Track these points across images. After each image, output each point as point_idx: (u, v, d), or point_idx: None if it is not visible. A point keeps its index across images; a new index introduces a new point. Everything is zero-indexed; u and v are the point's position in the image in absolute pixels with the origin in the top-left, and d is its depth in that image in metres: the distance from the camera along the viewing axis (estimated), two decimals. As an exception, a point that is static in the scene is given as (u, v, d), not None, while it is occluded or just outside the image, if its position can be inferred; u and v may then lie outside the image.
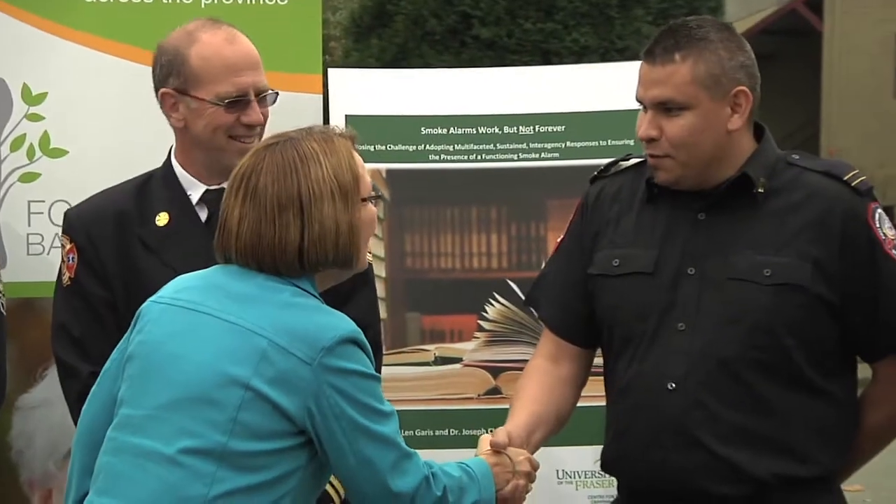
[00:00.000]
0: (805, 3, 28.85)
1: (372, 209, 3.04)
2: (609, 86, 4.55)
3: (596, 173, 3.60)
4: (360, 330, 2.93)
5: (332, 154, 2.97)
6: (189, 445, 2.85)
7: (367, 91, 4.70)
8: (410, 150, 4.58)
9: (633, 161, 3.56)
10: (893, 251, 3.36)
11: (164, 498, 2.84)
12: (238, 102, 3.51)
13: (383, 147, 4.57)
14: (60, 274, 3.62)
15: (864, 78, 27.53)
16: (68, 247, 3.61)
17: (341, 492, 3.43)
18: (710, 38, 3.32)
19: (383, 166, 4.53)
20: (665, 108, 3.31)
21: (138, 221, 3.58)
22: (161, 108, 3.59)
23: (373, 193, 3.04)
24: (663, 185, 3.38)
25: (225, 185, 3.42)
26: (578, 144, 4.59)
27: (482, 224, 4.60)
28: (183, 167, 3.61)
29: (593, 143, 4.53)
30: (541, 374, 3.55)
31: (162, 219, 3.57)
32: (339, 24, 16.66)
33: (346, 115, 4.55)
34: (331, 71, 4.73)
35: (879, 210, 3.38)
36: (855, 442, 3.43)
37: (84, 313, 3.55)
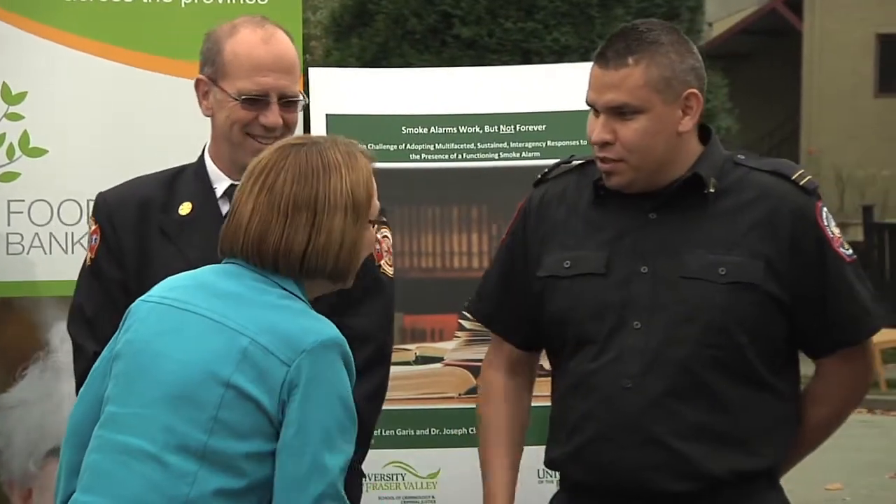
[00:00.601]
0: (785, 3, 28.89)
1: (373, 233, 3.07)
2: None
3: (539, 176, 3.62)
4: (343, 339, 2.94)
5: (354, 170, 3.00)
6: (172, 443, 2.86)
7: (348, 90, 4.69)
8: (391, 149, 4.58)
9: (575, 163, 3.58)
10: (840, 249, 3.41)
11: (147, 496, 2.85)
12: (257, 102, 3.51)
13: (364, 146, 4.56)
14: (86, 256, 3.67)
15: (844, 77, 27.58)
16: (93, 228, 3.64)
17: None
18: (661, 42, 3.35)
19: (364, 166, 4.52)
20: (619, 112, 3.33)
21: (161, 209, 3.59)
22: (196, 92, 3.61)
23: (380, 218, 3.09)
24: (613, 190, 3.40)
25: (230, 181, 3.44)
26: (559, 143, 4.59)
27: (463, 223, 4.60)
28: (213, 160, 3.62)
29: (574, 143, 4.53)
30: (509, 402, 3.59)
31: (185, 208, 3.59)
32: (319, 23, 16.64)
33: (326, 115, 4.54)
34: (311, 70, 4.72)
35: (825, 209, 3.43)
36: (796, 437, 3.47)
37: (98, 295, 3.57)
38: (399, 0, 10.24)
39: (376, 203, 3.06)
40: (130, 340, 2.99)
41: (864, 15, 27.38)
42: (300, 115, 3.60)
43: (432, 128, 4.61)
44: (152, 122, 4.38)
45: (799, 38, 28.41)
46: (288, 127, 3.54)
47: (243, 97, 3.51)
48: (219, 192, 3.59)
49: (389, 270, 3.58)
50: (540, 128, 4.61)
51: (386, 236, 3.61)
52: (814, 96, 28.09)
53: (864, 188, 24.91)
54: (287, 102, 3.54)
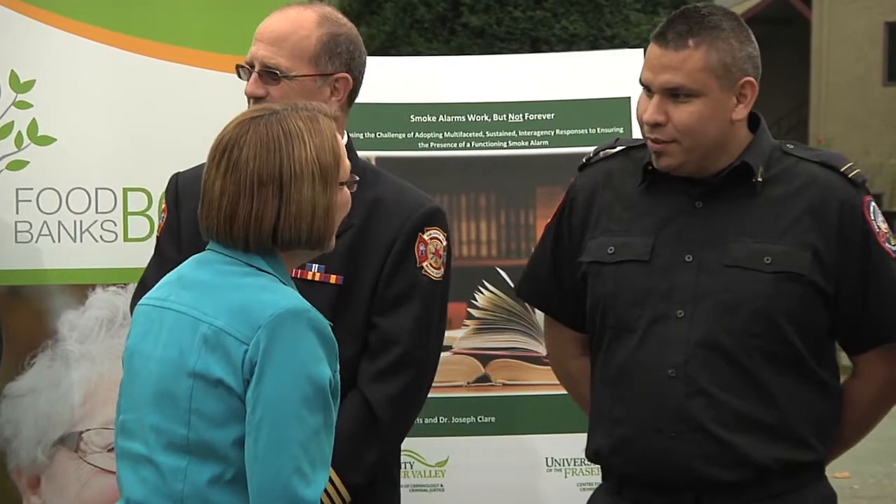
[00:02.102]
0: (793, -9, 28.86)
1: (347, 193, 2.98)
2: (598, 74, 4.53)
3: (585, 160, 3.57)
4: (306, 307, 2.85)
5: (316, 134, 2.91)
6: (160, 442, 2.87)
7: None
8: (400, 137, 4.56)
9: (619, 147, 3.53)
10: (886, 244, 3.37)
11: (150, 499, 2.88)
12: (243, 69, 3.49)
13: (372, 135, 4.55)
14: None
15: (852, 66, 27.54)
16: (164, 206, 3.65)
17: (345, 496, 3.39)
18: (722, 27, 3.30)
19: (373, 154, 4.50)
20: (673, 93, 3.29)
21: None
22: None
23: (352, 178, 3.00)
24: (663, 171, 3.36)
25: None
26: (567, 132, 4.57)
27: (471, 212, 4.58)
28: None
29: (582, 131, 4.51)
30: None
31: None
32: (328, 11, 16.64)
33: (335, 103, 4.52)
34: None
35: (873, 203, 3.39)
36: (838, 430, 3.44)
37: (156, 269, 3.53)
38: (408, -12, 10.23)
39: (347, 163, 2.97)
40: (127, 347, 3.02)
41: (872, 3, 27.33)
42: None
43: (440, 116, 4.59)
44: (162, 111, 4.36)
45: (808, 27, 28.37)
46: (265, 100, 3.41)
47: (237, 65, 3.50)
48: None
49: (435, 273, 3.49)
50: (548, 116, 4.59)
51: (435, 237, 3.52)
52: (822, 85, 28.06)
53: (873, 176, 24.87)
54: (268, 73, 3.46)
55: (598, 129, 4.38)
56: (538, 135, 4.59)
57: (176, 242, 3.56)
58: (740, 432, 3.29)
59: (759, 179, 3.34)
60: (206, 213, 2.94)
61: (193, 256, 3.01)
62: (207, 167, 2.94)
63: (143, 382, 2.93)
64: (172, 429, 2.86)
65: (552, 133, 4.59)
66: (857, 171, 3.38)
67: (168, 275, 3.04)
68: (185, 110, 4.25)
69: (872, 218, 3.37)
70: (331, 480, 3.31)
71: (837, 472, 10.18)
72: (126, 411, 2.97)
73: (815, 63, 28.17)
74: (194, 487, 2.83)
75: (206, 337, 2.84)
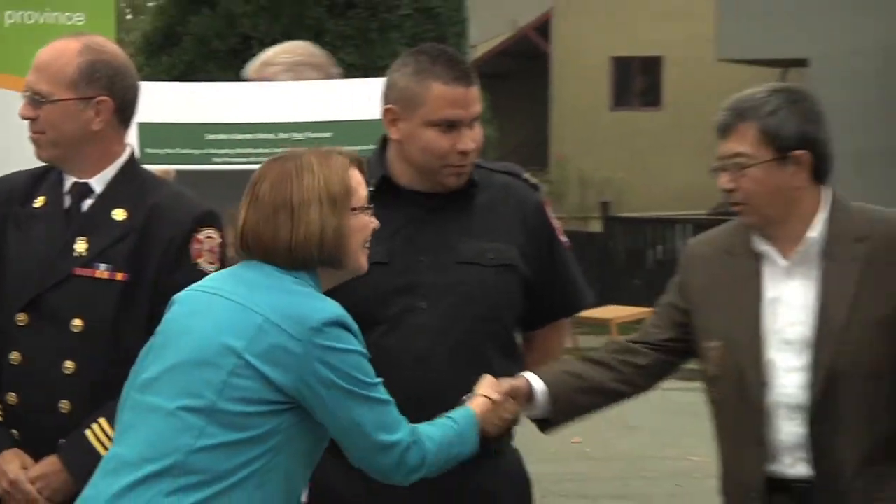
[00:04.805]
0: (535, 30, 29.26)
1: (364, 219, 3.01)
2: (371, 98, 4.52)
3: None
4: (347, 315, 2.92)
5: (326, 167, 2.99)
6: (186, 403, 2.85)
7: (159, 101, 4.58)
8: (196, 153, 4.51)
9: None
10: (562, 237, 3.57)
11: (156, 444, 2.84)
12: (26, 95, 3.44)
13: (171, 151, 4.48)
14: None
15: (585, 94, 28.05)
16: None
17: None
18: None
19: (172, 168, 4.43)
20: (475, 120, 3.41)
21: (21, 200, 3.46)
22: None
23: (369, 206, 3.02)
24: (405, 187, 3.42)
25: (75, 178, 3.38)
26: (345, 149, 4.56)
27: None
28: None
29: (358, 147, 4.49)
30: None
31: (39, 201, 3.46)
32: (132, 43, 16.32)
33: (138, 123, 4.41)
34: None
35: (547, 203, 3.60)
36: None
37: None
38: (204, 23, 10.11)
39: (361, 194, 3.02)
40: (167, 319, 3.02)
41: (601, 41, 27.87)
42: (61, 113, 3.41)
43: (233, 134, 4.55)
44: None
45: (547, 61, 28.80)
46: (37, 122, 3.40)
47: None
48: (66, 187, 3.45)
49: (210, 268, 3.43)
50: (328, 135, 4.58)
51: (210, 236, 3.47)
52: (559, 110, 28.52)
53: (603, 188, 25.37)
54: (33, 98, 3.40)
55: (372, 145, 4.37)
56: (319, 151, 4.57)
57: None
58: None
59: (474, 190, 3.45)
60: (237, 236, 3.02)
61: (243, 262, 3.01)
62: (242, 200, 3.02)
63: (178, 349, 2.91)
64: (203, 392, 2.85)
65: (331, 150, 4.57)
66: (534, 178, 3.58)
67: (217, 272, 3.09)
68: (7, 132, 4.10)
69: (551, 216, 3.55)
70: (108, 436, 3.28)
71: (571, 437, 10.38)
72: (153, 370, 2.94)
73: (554, 91, 28.62)
74: (204, 445, 2.82)
75: (261, 326, 2.86)
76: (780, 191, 3.21)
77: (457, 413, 3.11)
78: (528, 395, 3.33)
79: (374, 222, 3.05)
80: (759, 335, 3.24)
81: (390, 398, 2.96)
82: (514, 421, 3.31)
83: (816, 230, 3.24)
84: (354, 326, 2.94)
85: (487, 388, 3.22)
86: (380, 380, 2.96)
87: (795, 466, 3.23)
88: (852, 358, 3.17)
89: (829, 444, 3.18)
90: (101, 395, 3.33)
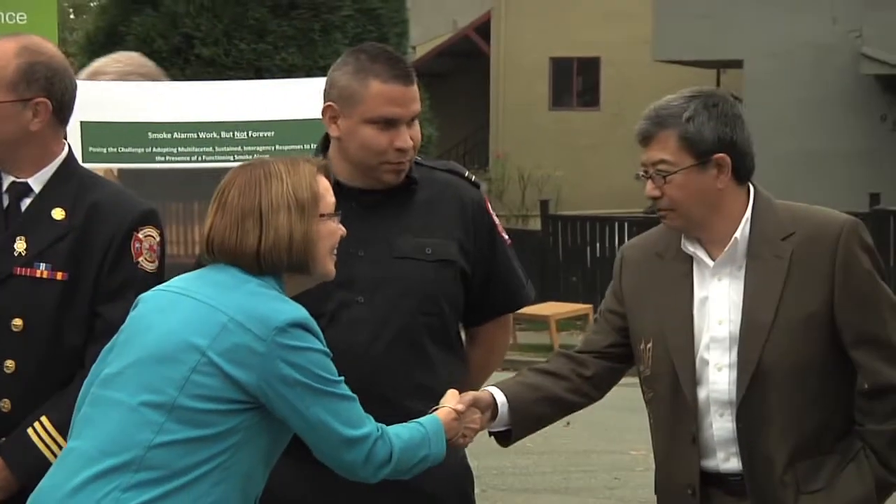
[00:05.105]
0: (475, 30, 29.31)
1: (332, 225, 3.01)
2: (312, 97, 4.51)
3: None
4: (309, 317, 2.92)
5: (294, 174, 2.98)
6: (147, 399, 2.84)
7: (101, 100, 4.55)
8: (139, 151, 4.48)
9: None
10: (503, 234, 3.59)
11: (116, 438, 2.83)
12: None
13: (115, 149, 4.45)
14: None
15: (524, 93, 28.12)
16: None
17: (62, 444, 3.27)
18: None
19: (115, 166, 4.40)
20: (414, 118, 3.41)
21: None
22: None
23: (336, 213, 3.02)
24: (345, 184, 3.41)
25: (13, 178, 3.35)
26: (286, 147, 4.56)
27: (203, 216, 4.49)
28: None
29: (299, 146, 4.50)
30: None
31: None
32: (75, 42, 16.21)
33: (80, 122, 4.38)
34: (68, 82, 4.55)
35: (488, 201, 3.62)
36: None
37: None
38: (147, 23, 10.05)
39: (329, 200, 3.02)
40: (132, 317, 3.01)
41: (539, 41, 27.95)
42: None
43: (175, 133, 4.53)
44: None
45: (488, 61, 28.85)
46: None
47: None
48: (4, 187, 3.42)
49: (149, 266, 3.41)
50: (269, 134, 4.58)
51: (149, 235, 3.44)
52: (500, 109, 28.57)
53: (542, 186, 25.44)
54: None
55: (313, 144, 4.36)
56: (260, 149, 4.56)
57: None
58: (413, 398, 3.34)
59: (414, 187, 3.46)
60: (202, 242, 3.05)
61: (209, 265, 3.00)
62: (209, 207, 3.02)
63: (141, 345, 2.91)
64: (164, 388, 2.84)
65: (273, 148, 4.57)
66: (475, 176, 3.60)
67: (185, 274, 3.04)
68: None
69: (492, 213, 3.57)
70: (53, 438, 3.26)
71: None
72: (115, 366, 2.93)
73: (494, 91, 28.67)
74: (164, 441, 2.81)
75: (225, 326, 2.85)
76: (704, 194, 3.24)
77: (424, 419, 3.12)
78: (491, 406, 3.34)
79: (341, 229, 3.06)
80: (690, 334, 3.27)
81: (354, 395, 2.97)
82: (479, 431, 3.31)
83: (741, 230, 3.27)
84: (317, 328, 2.94)
85: (451, 399, 3.23)
86: (342, 378, 2.96)
87: (729, 461, 3.25)
88: (778, 355, 3.20)
89: (757, 439, 3.21)
90: (42, 394, 3.31)
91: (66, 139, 3.51)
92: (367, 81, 3.38)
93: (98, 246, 3.36)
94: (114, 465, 2.82)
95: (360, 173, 3.42)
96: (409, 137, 3.38)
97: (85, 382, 3.04)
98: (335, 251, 3.05)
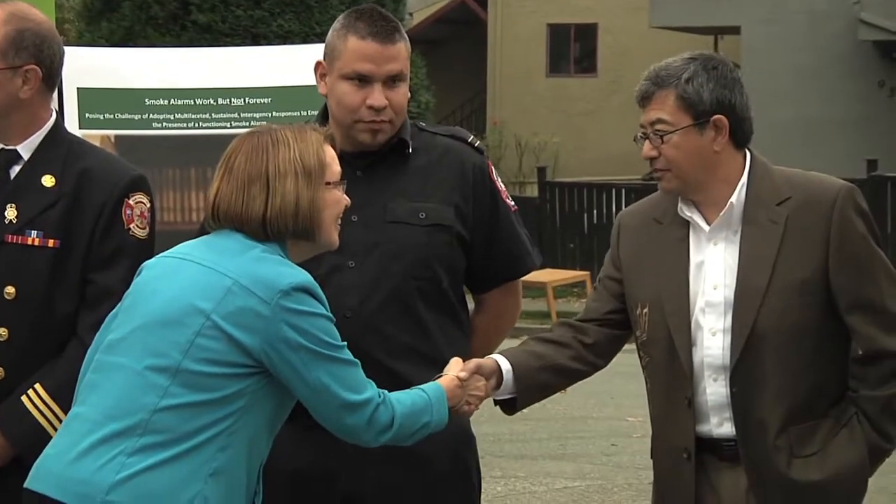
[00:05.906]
0: (472, -3, 29.21)
1: (337, 194, 3.02)
2: (309, 64, 4.51)
3: None
4: (314, 282, 2.93)
5: (301, 141, 2.99)
6: (152, 363, 2.85)
7: (98, 67, 4.55)
8: (136, 118, 4.48)
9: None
10: (507, 200, 3.57)
11: (121, 402, 2.84)
12: None
13: (112, 116, 4.45)
14: None
15: (521, 60, 28.07)
16: None
17: (61, 416, 3.28)
18: (401, 26, 3.45)
19: (112, 132, 4.40)
20: (394, 79, 3.37)
21: None
22: None
23: (342, 181, 3.02)
24: (340, 149, 3.39)
25: (2, 145, 3.33)
26: (283, 114, 4.56)
27: (200, 183, 4.52)
28: None
29: (296, 113, 4.50)
30: None
31: None
32: (72, 8, 16.17)
33: (77, 88, 4.40)
34: (65, 49, 4.55)
35: (493, 167, 3.59)
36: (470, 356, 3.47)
37: None
38: (143, -11, 10.08)
39: (335, 169, 3.02)
40: (136, 283, 3.02)
41: (537, 7, 27.89)
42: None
43: (172, 100, 4.52)
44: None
45: (484, 27, 28.78)
46: None
47: None
48: None
49: (140, 233, 3.40)
50: (266, 100, 4.57)
51: (140, 202, 3.42)
52: (496, 76, 28.52)
53: (539, 152, 25.44)
54: None
55: (309, 111, 4.37)
56: (258, 116, 4.56)
57: None
58: (404, 360, 3.35)
59: (410, 151, 3.45)
60: (207, 207, 3.02)
61: (214, 231, 3.00)
62: (215, 173, 3.00)
63: (145, 310, 2.92)
64: (168, 352, 2.85)
65: (270, 115, 4.57)
66: (479, 141, 3.57)
67: (189, 241, 3.04)
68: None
69: (496, 178, 3.55)
70: (47, 405, 3.27)
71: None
72: (119, 332, 2.94)
73: (491, 58, 28.61)
74: (169, 405, 2.82)
75: (230, 289, 2.87)
76: (700, 156, 3.24)
77: (426, 386, 3.12)
78: (495, 373, 3.34)
79: (346, 199, 3.06)
80: (686, 299, 3.27)
81: (356, 360, 2.98)
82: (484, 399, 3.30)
83: (737, 194, 3.27)
84: (321, 293, 2.94)
85: (454, 366, 3.23)
86: (345, 343, 2.96)
87: (722, 426, 3.26)
88: (773, 320, 3.20)
89: (751, 404, 3.21)
90: (35, 361, 3.31)
91: (54, 106, 3.50)
92: (346, 37, 3.39)
93: (89, 213, 3.36)
94: (119, 430, 2.83)
95: (342, 134, 3.42)
96: (383, 97, 3.35)
97: (89, 350, 3.04)
98: (339, 221, 3.05)
